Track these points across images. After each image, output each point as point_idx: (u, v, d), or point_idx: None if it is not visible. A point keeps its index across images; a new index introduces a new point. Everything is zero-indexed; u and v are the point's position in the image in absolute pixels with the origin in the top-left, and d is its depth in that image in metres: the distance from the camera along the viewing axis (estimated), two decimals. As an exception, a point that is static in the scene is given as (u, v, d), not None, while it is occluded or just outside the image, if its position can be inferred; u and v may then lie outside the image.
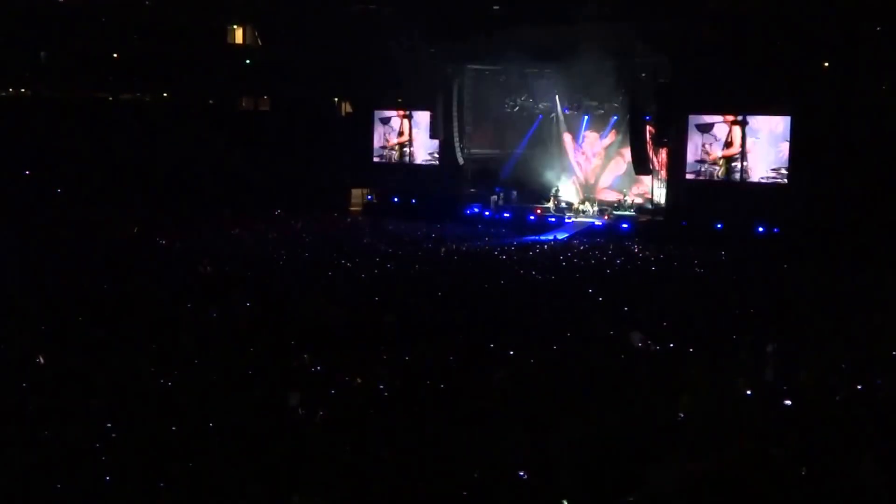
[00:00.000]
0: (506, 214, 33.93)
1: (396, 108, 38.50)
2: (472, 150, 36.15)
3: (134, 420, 10.83)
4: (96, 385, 12.17)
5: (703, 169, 30.85)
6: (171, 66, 39.98)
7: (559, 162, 36.09)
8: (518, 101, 35.63)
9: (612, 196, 34.97)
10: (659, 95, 30.65)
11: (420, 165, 37.84)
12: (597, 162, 35.88)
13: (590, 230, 31.55)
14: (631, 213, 33.39)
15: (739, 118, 30.27)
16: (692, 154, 30.98)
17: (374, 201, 38.78)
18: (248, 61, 41.97)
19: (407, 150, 38.30)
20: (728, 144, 30.46)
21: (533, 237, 30.15)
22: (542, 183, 35.53)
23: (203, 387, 12.29)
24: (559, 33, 31.80)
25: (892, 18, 28.57)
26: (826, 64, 29.60)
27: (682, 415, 11.16)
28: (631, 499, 8.86)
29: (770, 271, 23.33)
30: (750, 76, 29.27)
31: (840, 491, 9.20)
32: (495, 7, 35.05)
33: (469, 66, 35.00)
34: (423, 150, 37.72)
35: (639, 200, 34.24)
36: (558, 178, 35.62)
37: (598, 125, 35.46)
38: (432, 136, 36.66)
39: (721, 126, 30.60)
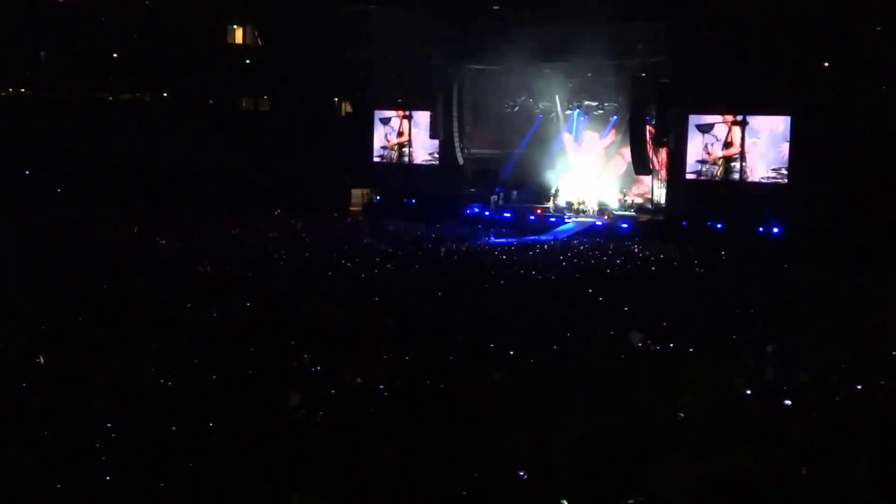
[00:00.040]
0: (506, 214, 33.94)
1: (396, 108, 38.50)
2: (472, 150, 36.14)
3: (134, 420, 10.83)
4: (96, 385, 12.17)
5: (704, 169, 30.85)
6: (171, 66, 39.99)
7: (559, 162, 36.09)
8: (518, 101, 35.62)
9: (612, 196, 34.94)
10: (659, 95, 30.65)
11: (420, 165, 37.83)
12: (597, 162, 35.87)
13: (590, 230, 31.55)
14: (631, 213, 33.38)
15: (739, 118, 30.27)
16: (694, 154, 30.97)
17: (375, 201, 38.81)
18: (248, 61, 41.98)
19: (407, 150, 38.30)
20: (728, 144, 30.46)
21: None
22: (542, 183, 35.53)
23: (203, 387, 12.29)
24: (559, 33, 31.79)
25: (892, 18, 28.57)
26: (826, 64, 29.59)
27: (682, 415, 11.16)
28: (631, 500, 8.86)
29: (770, 271, 23.33)
30: (750, 76, 29.27)
31: (840, 491, 9.20)
32: (495, 7, 35.04)
33: (469, 66, 34.99)
34: (423, 150, 37.72)
35: (639, 200, 34.24)
36: (558, 178, 35.63)
37: (598, 125, 35.46)
38: (432, 136, 36.65)
39: (721, 126, 30.60)
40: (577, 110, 35.18)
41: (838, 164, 27.59)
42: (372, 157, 38.99)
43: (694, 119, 30.98)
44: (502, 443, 10.21)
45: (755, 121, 30.08)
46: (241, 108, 44.32)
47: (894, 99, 28.40)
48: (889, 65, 28.05)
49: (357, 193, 40.29)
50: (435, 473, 9.50)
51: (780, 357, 13.53)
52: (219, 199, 35.70)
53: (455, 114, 35.27)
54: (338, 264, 23.26)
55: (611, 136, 35.20)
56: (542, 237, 30.57)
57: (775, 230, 28.45)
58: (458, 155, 35.66)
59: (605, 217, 32.94)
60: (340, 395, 12.00)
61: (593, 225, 32.29)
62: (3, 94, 42.99)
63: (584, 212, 33.90)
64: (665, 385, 12.30)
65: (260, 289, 19.27)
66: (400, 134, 38.45)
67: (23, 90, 43.13)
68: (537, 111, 35.84)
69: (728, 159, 30.51)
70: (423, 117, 37.32)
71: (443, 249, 26.71)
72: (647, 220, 32.14)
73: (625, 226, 31.35)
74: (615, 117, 34.49)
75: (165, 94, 43.08)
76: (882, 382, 12.64)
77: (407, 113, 38.13)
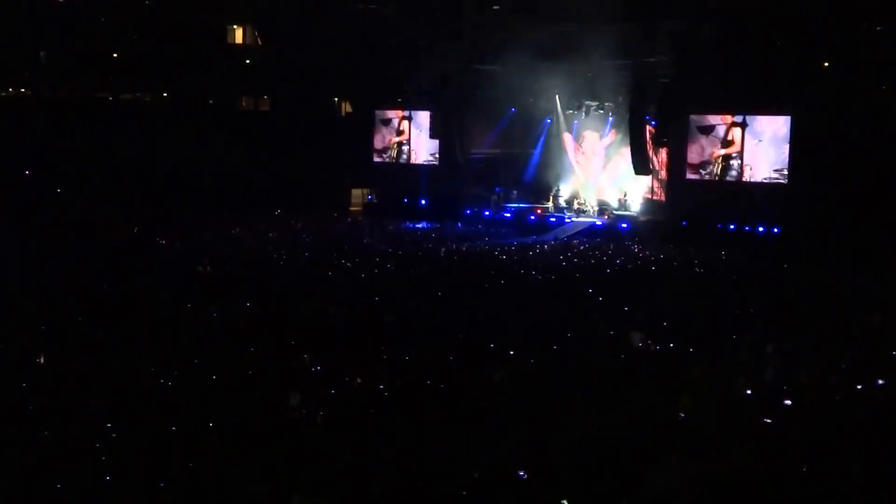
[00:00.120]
0: (506, 214, 33.94)
1: (396, 108, 38.49)
2: (472, 150, 36.13)
3: (134, 420, 10.83)
4: (96, 385, 12.17)
5: (707, 170, 30.83)
6: (171, 66, 39.95)
7: (559, 162, 36.09)
8: (518, 101, 35.60)
9: (612, 196, 34.94)
10: (659, 95, 30.65)
11: (420, 165, 37.82)
12: (597, 162, 35.87)
13: (590, 230, 31.55)
14: (631, 213, 33.38)
15: (739, 118, 30.26)
16: (697, 155, 30.95)
17: (375, 201, 38.81)
18: (248, 61, 41.96)
19: (407, 150, 38.30)
20: (728, 144, 30.45)
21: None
22: (542, 183, 35.52)
23: (203, 387, 12.30)
24: (559, 33, 31.78)
25: (892, 18, 28.56)
26: (826, 64, 29.58)
27: (682, 415, 11.16)
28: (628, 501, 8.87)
29: (770, 271, 23.33)
30: (750, 76, 29.25)
31: (840, 491, 9.20)
32: (495, 7, 35.04)
33: (469, 66, 34.97)
34: (423, 150, 37.71)
35: (639, 200, 34.21)
36: (558, 178, 35.62)
37: (598, 125, 35.45)
38: (432, 136, 36.65)
39: (721, 126, 30.59)
40: (577, 111, 35.14)
41: (838, 164, 27.57)
42: (372, 157, 38.98)
43: (694, 119, 30.98)
44: (502, 443, 10.21)
45: (755, 121, 30.06)
46: (241, 108, 44.29)
47: (894, 99, 28.38)
48: (889, 65, 28.03)
49: (357, 193, 40.29)
50: (435, 473, 9.50)
51: (780, 357, 13.52)
52: (219, 199, 35.70)
53: (455, 114, 35.26)
54: (338, 264, 23.27)
55: (611, 136, 35.18)
56: (542, 237, 30.56)
57: (775, 230, 28.45)
58: (458, 155, 35.65)
59: (605, 217, 32.93)
60: (340, 395, 12.00)
61: (593, 225, 32.29)
62: (3, 94, 42.96)
63: (584, 212, 33.89)
64: (665, 385, 12.30)
65: (260, 289, 19.27)
66: (400, 134, 38.45)
67: (23, 90, 43.10)
68: (540, 113, 35.80)
69: (728, 159, 30.50)
70: (423, 117, 37.32)
71: (443, 249, 26.71)
72: (647, 220, 32.14)
73: (625, 226, 31.35)
74: (615, 117, 34.47)
75: (165, 94, 43.05)
76: (882, 382, 12.65)
77: (407, 113, 38.12)
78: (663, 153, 32.26)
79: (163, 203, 34.96)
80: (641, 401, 11.70)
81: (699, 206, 30.22)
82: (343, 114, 42.34)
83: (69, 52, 41.02)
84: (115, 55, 41.33)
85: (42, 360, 13.09)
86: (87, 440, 10.16)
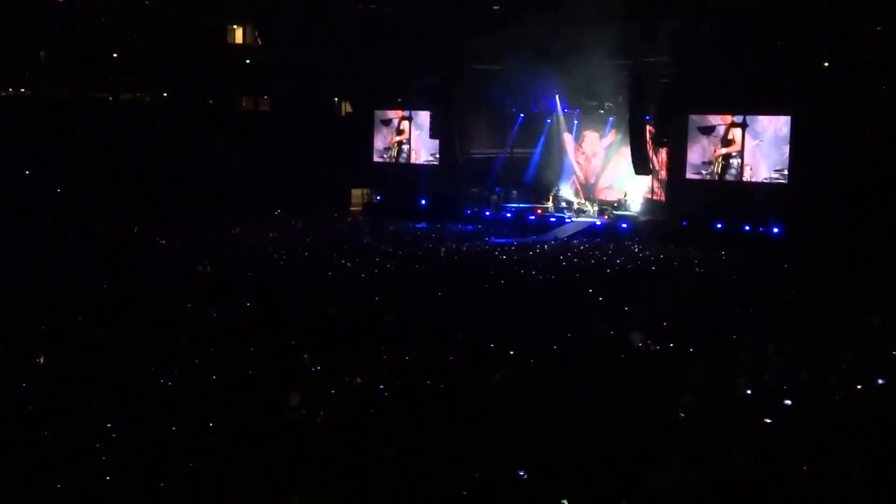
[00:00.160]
0: (506, 214, 33.94)
1: (396, 108, 38.49)
2: (472, 150, 36.13)
3: (134, 420, 10.83)
4: (96, 385, 12.17)
5: (707, 170, 30.82)
6: (171, 66, 39.96)
7: (559, 162, 36.09)
8: (518, 101, 35.59)
9: (612, 196, 34.95)
10: (659, 95, 30.64)
11: (420, 165, 37.82)
12: (597, 162, 35.87)
13: (590, 230, 31.55)
14: (631, 213, 33.38)
15: (739, 118, 30.26)
16: (697, 155, 30.94)
17: (375, 201, 38.81)
18: (248, 61, 41.96)
19: (407, 149, 38.30)
20: (728, 144, 30.44)
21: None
22: (542, 183, 35.52)
23: (203, 387, 12.30)
24: (559, 33, 31.79)
25: (893, 18, 28.55)
26: (826, 64, 29.58)
27: (682, 415, 11.16)
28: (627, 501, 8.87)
29: (770, 271, 23.33)
30: (750, 76, 29.25)
31: (840, 491, 9.20)
32: (495, 7, 35.04)
33: (469, 66, 34.97)
34: (423, 150, 37.72)
35: (639, 200, 34.21)
36: (558, 178, 35.62)
37: (598, 125, 35.46)
38: (432, 136, 36.65)
39: (721, 126, 30.58)
40: (577, 111, 35.16)
41: (838, 164, 27.57)
42: (372, 157, 38.98)
43: (694, 120, 30.97)
44: (502, 443, 10.21)
45: (755, 121, 30.06)
46: (241, 108, 44.29)
47: (894, 99, 28.38)
48: (889, 65, 28.03)
49: (357, 193, 40.29)
50: (435, 473, 9.50)
51: (780, 357, 13.52)
52: (219, 199, 35.70)
53: (455, 114, 35.26)
54: (338, 264, 23.27)
55: (611, 136, 35.18)
56: (542, 237, 30.57)
57: (775, 230, 28.44)
58: (458, 155, 35.65)
59: (605, 217, 32.93)
60: (340, 395, 12.00)
61: (593, 225, 32.29)
62: (3, 94, 42.96)
63: (584, 212, 33.89)
64: (665, 385, 12.30)
65: (260, 289, 19.26)
66: (400, 133, 38.45)
67: (23, 90, 43.10)
68: (539, 111, 35.81)
69: (728, 159, 30.49)
70: (423, 117, 37.32)
71: (443, 249, 26.71)
72: (647, 220, 32.14)
73: (625, 226, 31.35)
74: (614, 117, 34.46)
75: (165, 94, 43.05)
76: (882, 382, 12.64)
77: (407, 113, 38.12)
78: (663, 153, 32.26)
79: (163, 203, 34.96)
80: (641, 401, 11.70)
81: (699, 206, 30.22)
82: (343, 114, 42.34)
83: (69, 52, 41.01)
84: (115, 55, 41.32)
85: (42, 360, 13.09)
86: (87, 440, 10.16)
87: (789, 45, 29.06)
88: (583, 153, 36.30)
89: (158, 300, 17.89)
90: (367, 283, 20.84)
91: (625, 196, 34.32)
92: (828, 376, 12.84)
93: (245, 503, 9.11)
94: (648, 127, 31.64)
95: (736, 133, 30.32)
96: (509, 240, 29.69)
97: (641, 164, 31.82)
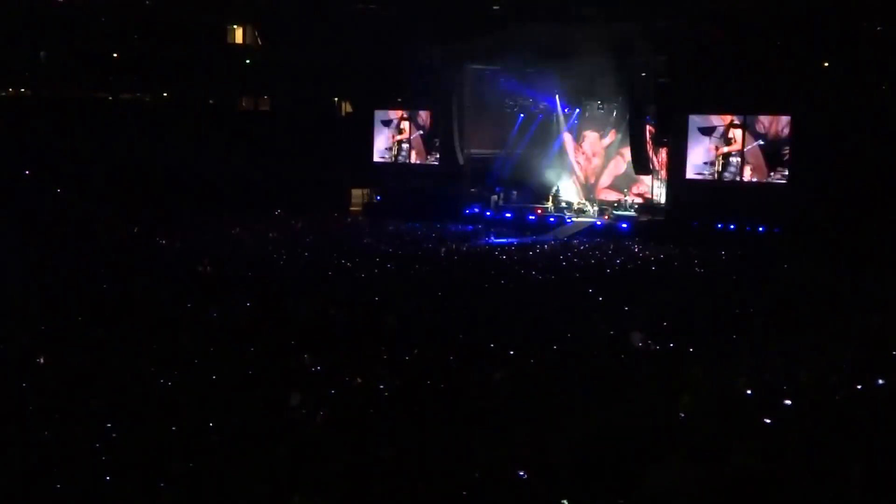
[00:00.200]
0: (506, 214, 33.95)
1: (396, 108, 38.49)
2: (472, 150, 36.13)
3: (134, 420, 10.83)
4: (96, 385, 12.17)
5: (707, 170, 30.83)
6: (171, 66, 39.98)
7: (559, 162, 36.09)
8: (518, 101, 35.61)
9: (612, 196, 34.96)
10: (659, 95, 30.64)
11: (420, 165, 37.83)
12: (597, 162, 35.88)
13: (590, 230, 31.56)
14: (631, 213, 33.39)
15: (739, 118, 30.27)
16: (697, 155, 30.94)
17: (375, 201, 38.81)
18: (248, 61, 41.97)
19: (407, 149, 38.30)
20: (728, 144, 30.45)
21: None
22: (542, 183, 35.53)
23: (203, 387, 12.29)
24: (559, 33, 31.80)
25: (893, 18, 28.57)
26: (826, 64, 29.59)
27: (682, 415, 11.16)
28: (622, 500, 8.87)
29: (770, 271, 23.33)
30: (750, 76, 29.27)
31: (840, 491, 9.20)
32: (495, 7, 35.05)
33: (469, 66, 34.98)
34: (424, 150, 37.72)
35: (639, 200, 34.23)
36: (558, 178, 35.62)
37: (598, 125, 35.46)
38: (432, 136, 36.64)
39: (721, 126, 30.59)
40: (577, 110, 35.16)
41: (838, 164, 27.58)
42: (372, 157, 38.99)
43: (694, 120, 30.98)
44: (502, 443, 10.21)
45: (755, 121, 30.07)
46: (241, 108, 44.30)
47: (894, 99, 28.40)
48: (889, 65, 28.04)
49: (357, 193, 40.30)
50: (435, 473, 9.50)
51: (780, 357, 13.52)
52: (219, 199, 35.70)
53: (455, 114, 35.27)
54: (338, 264, 23.27)
55: (611, 136, 35.19)
56: (543, 237, 30.57)
57: (775, 230, 28.44)
58: (458, 155, 35.66)
59: (605, 217, 32.94)
60: (340, 395, 11.99)
61: (593, 225, 32.30)
62: (3, 94, 42.97)
63: (584, 212, 33.90)
64: (665, 385, 12.29)
65: (260, 289, 19.26)
66: (400, 133, 38.46)
67: (23, 90, 43.11)
68: (538, 111, 35.80)
69: (727, 159, 30.50)
70: (423, 117, 37.33)
71: (443, 249, 26.71)
72: (647, 220, 32.14)
73: (625, 226, 31.35)
74: (614, 117, 34.46)
75: (165, 94, 43.07)
76: (882, 382, 12.64)
77: (407, 113, 38.13)
78: (663, 153, 32.27)
79: (163, 203, 34.96)
80: (641, 401, 11.69)
81: (699, 206, 30.23)
82: (343, 114, 42.34)
83: (69, 52, 41.03)
84: (115, 55, 41.35)
85: (42, 360, 13.09)
86: (87, 440, 10.16)
87: (789, 45, 29.08)
88: (583, 153, 36.30)
89: (158, 300, 17.89)
90: (367, 283, 20.83)
91: (625, 196, 34.34)
92: (828, 376, 12.83)
93: (245, 503, 9.11)
94: (648, 127, 31.65)
95: (736, 133, 30.34)
96: (510, 240, 29.68)
97: (641, 164, 31.83)
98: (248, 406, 11.44)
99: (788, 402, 11.75)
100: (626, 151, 33.07)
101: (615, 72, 32.07)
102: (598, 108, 34.35)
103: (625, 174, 34.70)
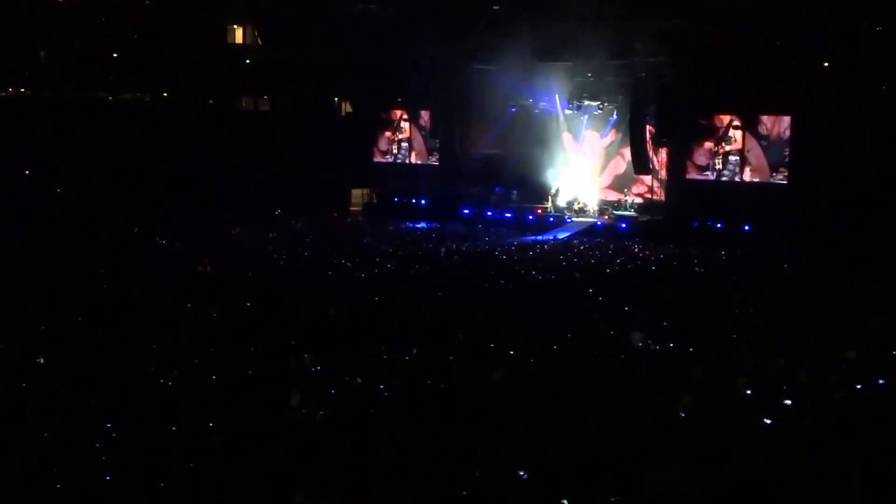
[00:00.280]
0: (507, 214, 33.94)
1: (396, 108, 38.49)
2: (472, 150, 36.10)
3: (134, 420, 10.83)
4: (96, 385, 12.17)
5: (707, 170, 30.83)
6: (171, 66, 39.98)
7: (559, 162, 36.06)
8: (517, 101, 35.60)
9: (612, 196, 34.94)
10: (659, 95, 30.64)
11: (420, 165, 37.82)
12: (597, 162, 35.86)
13: (590, 230, 31.55)
14: (631, 213, 33.38)
15: (739, 118, 30.27)
16: (697, 155, 30.93)
17: (375, 201, 38.82)
18: (248, 61, 41.97)
19: (407, 149, 38.29)
20: (728, 144, 30.45)
21: (532, 237, 30.15)
22: (542, 183, 35.52)
23: (203, 387, 12.29)
24: (559, 33, 31.79)
25: (893, 18, 28.57)
26: (826, 64, 29.59)
27: (682, 415, 11.16)
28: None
29: (770, 271, 23.33)
30: (750, 76, 29.26)
31: (840, 491, 9.20)
32: (495, 7, 35.05)
33: (469, 66, 34.97)
34: (424, 150, 37.71)
35: (639, 200, 34.22)
36: (558, 178, 35.60)
37: (598, 125, 35.45)
38: (432, 136, 36.63)
39: (721, 126, 30.59)
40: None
41: (838, 164, 27.58)
42: (372, 157, 38.99)
43: (694, 119, 30.96)
44: (502, 443, 10.21)
45: (756, 121, 30.07)
46: (241, 108, 44.29)
47: (894, 99, 28.39)
48: (889, 65, 28.04)
49: (357, 193, 40.29)
50: (435, 473, 9.50)
51: (780, 357, 13.52)
52: (219, 199, 35.69)
53: (455, 114, 35.26)
54: (338, 264, 23.27)
55: (611, 136, 35.18)
56: (542, 237, 30.58)
57: (775, 230, 28.42)
58: (458, 155, 35.64)
59: (605, 217, 32.93)
60: (340, 395, 11.99)
61: (593, 225, 32.29)
62: (3, 94, 42.96)
63: (584, 212, 33.89)
64: (665, 385, 12.29)
65: (260, 289, 19.26)
66: (400, 133, 38.45)
67: (23, 90, 43.10)
68: (537, 111, 35.78)
69: (727, 159, 30.49)
70: (423, 117, 37.32)
71: (443, 249, 26.72)
72: (647, 220, 32.13)
73: (624, 226, 31.35)
74: (615, 117, 34.46)
75: (165, 94, 43.07)
76: (882, 382, 12.64)
77: (407, 113, 38.12)
78: (663, 153, 32.27)
79: (163, 203, 34.95)
80: (641, 401, 11.69)
81: (699, 206, 30.22)
82: (343, 114, 42.34)
83: (69, 52, 41.02)
84: (115, 55, 41.34)
85: (42, 360, 13.09)
86: (87, 440, 10.16)
87: (789, 44, 29.07)
88: (583, 153, 36.28)
89: (158, 300, 17.89)
90: (367, 283, 20.83)
91: (625, 196, 34.32)
92: (828, 376, 12.83)
93: (245, 503, 9.11)
94: (648, 127, 31.64)
95: (736, 133, 30.33)
96: (510, 240, 29.67)
97: (641, 164, 31.82)
98: (248, 406, 11.44)
99: (788, 402, 11.74)
100: (626, 151, 33.05)
101: (615, 72, 32.05)
102: (598, 109, 34.32)
103: (625, 174, 34.68)
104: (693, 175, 31.07)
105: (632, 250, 27.13)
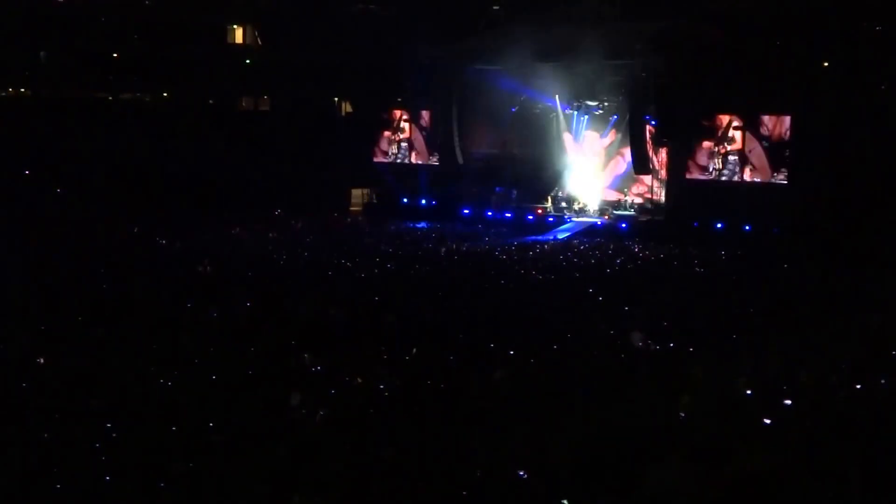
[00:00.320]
0: (507, 214, 33.94)
1: (397, 108, 38.49)
2: (472, 150, 36.11)
3: (134, 420, 10.83)
4: (96, 385, 12.17)
5: (707, 169, 30.82)
6: (171, 66, 39.99)
7: (559, 162, 36.06)
8: (518, 101, 35.60)
9: (612, 196, 34.93)
10: (659, 95, 30.64)
11: (420, 165, 37.82)
12: (597, 162, 35.85)
13: (590, 230, 31.56)
14: (631, 213, 33.38)
15: (739, 118, 30.26)
16: (697, 155, 30.92)
17: (375, 201, 38.81)
18: (248, 61, 41.98)
19: (407, 149, 38.29)
20: (728, 144, 30.44)
21: (532, 237, 30.15)
22: (543, 183, 35.50)
23: (203, 387, 12.29)
24: (559, 33, 31.80)
25: (893, 18, 28.57)
26: (826, 64, 29.59)
27: (682, 415, 11.16)
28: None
29: (770, 271, 23.33)
30: (750, 76, 29.26)
31: (839, 491, 9.20)
32: (495, 7, 35.06)
33: (469, 66, 34.97)
34: (424, 149, 37.71)
35: (639, 200, 34.21)
36: (558, 178, 35.60)
37: (598, 125, 35.44)
38: (432, 136, 36.63)
39: (721, 126, 30.58)
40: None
41: (838, 164, 27.58)
42: (372, 157, 38.99)
43: (694, 119, 30.95)
44: (502, 443, 10.21)
45: (756, 121, 30.06)
46: (241, 108, 44.30)
47: (894, 99, 28.39)
48: (889, 65, 28.04)
49: (357, 193, 40.29)
50: (435, 473, 9.50)
51: (780, 357, 13.52)
52: (219, 199, 35.69)
53: (455, 114, 35.26)
54: (338, 264, 23.27)
55: (611, 136, 35.16)
56: (542, 237, 30.58)
57: (775, 230, 28.44)
58: (458, 155, 35.65)
59: (605, 217, 32.93)
60: (340, 395, 12.00)
61: (593, 225, 32.29)
62: (3, 94, 42.97)
63: (584, 212, 33.88)
64: (665, 385, 12.29)
65: (260, 289, 19.27)
66: (400, 133, 38.45)
67: (23, 90, 43.11)
68: (538, 111, 35.78)
69: (727, 159, 30.48)
70: (423, 117, 37.32)
71: (443, 249, 26.72)
72: (647, 220, 32.13)
73: (624, 226, 31.34)
74: (615, 117, 34.46)
75: (165, 94, 43.08)
76: (882, 382, 12.64)
77: (407, 113, 38.12)
78: (663, 153, 32.26)
79: (163, 203, 34.95)
80: (641, 401, 11.70)
81: (699, 206, 30.21)
82: (343, 114, 42.35)
83: (69, 52, 41.02)
84: (115, 55, 41.35)
85: (42, 360, 13.09)
86: (87, 440, 10.16)
87: (789, 44, 29.07)
88: (583, 153, 36.26)
89: (158, 300, 17.89)
90: (367, 283, 20.83)
91: (625, 196, 34.32)
92: (828, 376, 12.83)
93: (245, 503, 9.11)
94: (648, 127, 31.64)
95: (736, 133, 30.32)
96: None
97: (641, 164, 31.81)
98: (248, 406, 11.44)
99: (788, 402, 11.75)
100: (626, 151, 33.04)
101: (615, 72, 32.05)
102: (598, 109, 34.31)
103: (625, 174, 34.67)
104: (693, 175, 31.06)
105: (632, 250, 27.14)
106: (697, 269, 23.78)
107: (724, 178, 30.56)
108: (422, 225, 33.31)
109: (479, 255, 25.89)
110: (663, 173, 32.55)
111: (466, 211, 34.71)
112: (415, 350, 14.07)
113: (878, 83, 28.80)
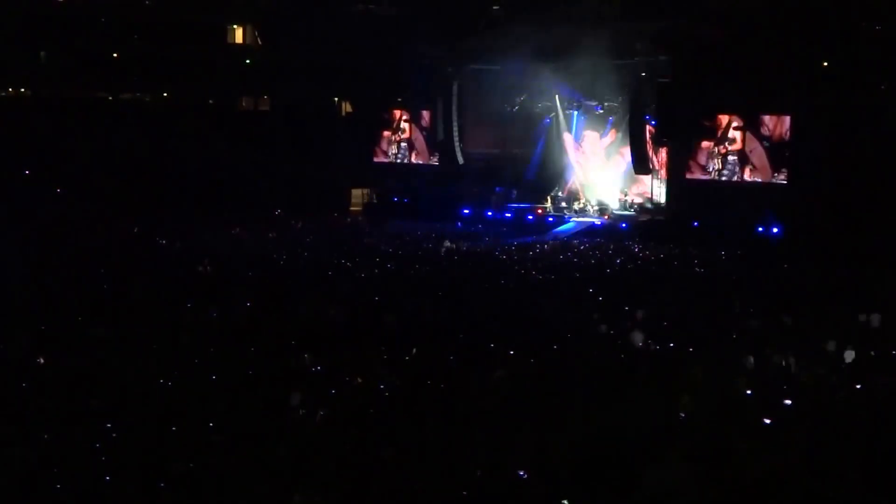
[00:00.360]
0: (507, 214, 33.94)
1: (397, 108, 38.49)
2: (472, 150, 36.12)
3: (134, 420, 10.83)
4: (96, 385, 12.16)
5: (707, 169, 30.83)
6: (171, 66, 40.00)
7: (559, 162, 36.08)
8: (518, 101, 35.61)
9: (611, 196, 34.93)
10: (659, 95, 30.64)
11: (420, 165, 37.83)
12: (597, 162, 35.86)
13: (590, 230, 31.56)
14: (631, 212, 33.38)
15: (739, 118, 30.27)
16: (697, 155, 30.92)
17: (375, 201, 38.82)
18: (248, 61, 41.98)
19: (407, 149, 38.29)
20: (728, 144, 30.44)
21: (532, 237, 30.14)
22: (543, 183, 35.51)
23: (203, 387, 12.29)
24: (559, 33, 31.81)
25: (893, 18, 28.56)
26: (826, 64, 29.59)
27: (682, 415, 11.15)
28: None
29: (770, 271, 23.32)
30: (750, 76, 29.26)
31: (839, 491, 9.20)
32: (495, 7, 35.07)
33: (469, 66, 34.98)
34: (424, 150, 37.71)
35: (639, 200, 34.22)
36: (558, 178, 35.60)
37: (598, 125, 35.45)
38: (432, 136, 36.65)
39: (721, 126, 30.59)
40: (577, 111, 35.14)
41: (838, 164, 27.58)
42: (372, 157, 39.00)
43: (695, 119, 30.96)
44: (502, 443, 10.20)
45: (756, 121, 30.07)
46: (241, 108, 44.31)
47: (894, 99, 28.39)
48: (889, 65, 28.04)
49: (357, 193, 40.31)
50: (435, 473, 9.50)
51: (780, 357, 13.51)
52: (219, 199, 35.69)
53: (455, 114, 35.27)
54: (338, 264, 23.27)
55: (611, 136, 35.19)
56: (542, 237, 30.59)
57: (775, 230, 28.44)
58: (458, 155, 35.67)
59: (605, 217, 32.93)
60: (340, 395, 11.99)
61: (593, 225, 32.29)
62: (3, 94, 42.97)
63: (584, 212, 33.89)
64: (665, 385, 12.29)
65: (260, 289, 19.26)
66: (400, 133, 38.45)
67: (23, 90, 43.10)
68: (539, 111, 35.78)
69: (727, 159, 30.49)
70: (423, 117, 37.33)
71: (443, 249, 26.71)
72: (647, 220, 32.14)
73: (624, 226, 31.34)
74: (615, 117, 34.47)
75: (165, 94, 43.08)
76: (882, 382, 12.64)
77: (407, 113, 38.13)
78: (663, 153, 32.27)
79: (163, 203, 34.95)
80: (641, 401, 11.69)
81: (699, 206, 30.22)
82: (343, 114, 42.36)
83: (69, 52, 41.02)
84: (115, 55, 41.35)
85: (42, 360, 13.08)
86: (87, 440, 10.15)
87: (789, 45, 29.07)
88: (583, 153, 36.29)
89: (158, 300, 17.88)
90: (367, 283, 20.83)
91: (625, 196, 34.33)
92: (828, 376, 12.83)
93: (245, 503, 9.11)
94: (648, 127, 31.65)
95: (736, 133, 30.32)
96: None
97: (641, 164, 31.84)
98: (248, 406, 11.43)
99: (788, 402, 11.74)
100: (626, 151, 33.06)
101: (615, 72, 32.06)
102: (598, 109, 34.33)
103: (625, 174, 34.69)
104: (693, 175, 31.05)
105: (632, 250, 27.14)
106: (697, 269, 23.77)
107: (724, 178, 30.56)
108: (422, 225, 33.29)
109: (479, 255, 25.88)
110: (663, 173, 32.56)
111: (466, 211, 34.71)
112: (415, 350, 14.06)
113: (878, 83, 28.79)
